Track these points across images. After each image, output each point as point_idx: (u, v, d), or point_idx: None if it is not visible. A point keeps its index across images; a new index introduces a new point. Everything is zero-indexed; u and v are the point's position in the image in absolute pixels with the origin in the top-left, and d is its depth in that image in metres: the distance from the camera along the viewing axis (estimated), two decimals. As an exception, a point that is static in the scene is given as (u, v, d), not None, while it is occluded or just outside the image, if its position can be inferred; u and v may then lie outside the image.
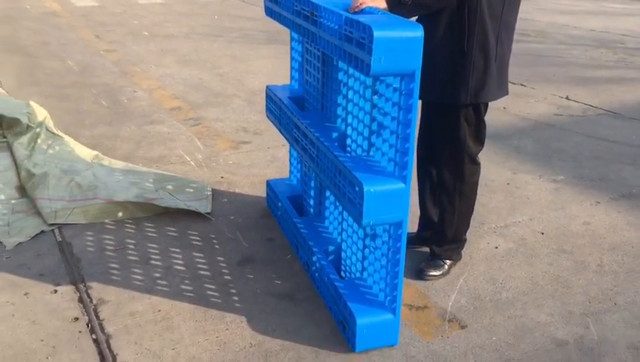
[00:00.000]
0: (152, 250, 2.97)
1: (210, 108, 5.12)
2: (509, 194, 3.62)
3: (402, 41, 1.92)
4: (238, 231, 3.16)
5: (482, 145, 2.66)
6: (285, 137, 2.95)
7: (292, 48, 3.19)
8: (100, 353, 2.27)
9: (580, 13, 10.68)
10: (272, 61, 6.60)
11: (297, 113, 2.74)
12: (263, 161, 4.07)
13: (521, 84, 5.89)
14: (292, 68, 3.20)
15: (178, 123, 4.75)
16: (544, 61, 6.95)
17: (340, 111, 2.60)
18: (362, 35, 1.94)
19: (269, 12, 2.97)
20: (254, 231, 3.16)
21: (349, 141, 2.52)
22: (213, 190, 3.60)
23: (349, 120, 2.50)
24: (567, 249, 3.03)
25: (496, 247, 3.04)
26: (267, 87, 3.19)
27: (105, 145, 4.24)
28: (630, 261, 2.94)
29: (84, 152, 3.90)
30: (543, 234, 3.17)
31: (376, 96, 2.25)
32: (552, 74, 6.37)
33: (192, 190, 3.56)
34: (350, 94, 2.48)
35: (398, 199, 2.09)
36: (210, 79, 6.02)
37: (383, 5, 2.27)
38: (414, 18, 2.33)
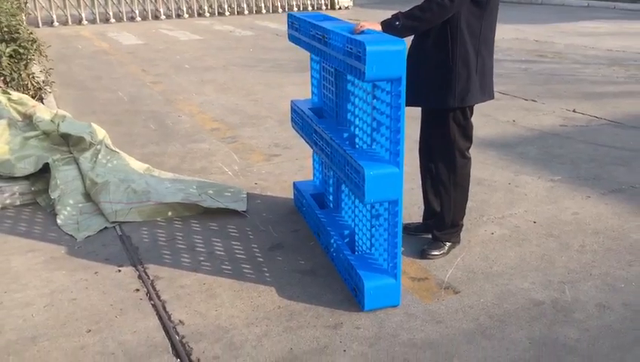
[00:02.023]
0: (196, 240, 3.52)
1: (246, 128, 5.71)
2: (509, 192, 4.07)
3: (389, 53, 2.46)
4: (269, 225, 3.69)
5: (470, 142, 3.15)
6: (307, 141, 3.49)
7: (311, 68, 3.75)
8: (157, 314, 2.81)
9: (600, 34, 11.05)
10: (301, 87, 7.20)
11: (315, 120, 3.29)
12: (291, 169, 4.62)
13: (532, 100, 6.34)
14: (312, 84, 3.76)
15: (217, 141, 5.35)
16: (557, 80, 7.38)
17: (349, 116, 3.13)
18: (359, 50, 2.48)
19: (292, 38, 3.55)
20: (283, 224, 3.69)
21: (357, 139, 3.04)
22: (248, 193, 4.15)
23: (357, 122, 3.03)
24: (555, 234, 3.46)
25: (492, 233, 3.49)
26: (291, 101, 3.76)
27: (154, 161, 4.85)
28: (610, 242, 3.35)
29: (137, 165, 4.51)
30: (535, 222, 3.61)
31: (375, 100, 2.78)
32: (563, 90, 6.79)
33: (229, 193, 4.12)
34: (357, 101, 3.01)
35: (393, 181, 2.60)
36: (245, 104, 6.65)
37: (379, 28, 2.81)
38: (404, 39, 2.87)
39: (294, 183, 3.94)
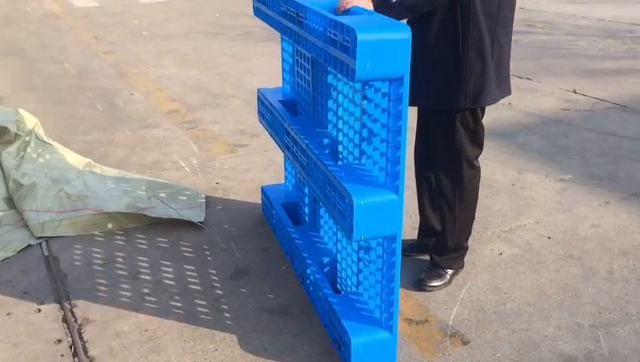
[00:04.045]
0: (141, 263, 2.86)
1: (208, 110, 5.00)
2: (514, 196, 3.48)
3: (388, 43, 1.79)
4: (232, 241, 3.04)
5: (481, 149, 2.52)
6: (277, 143, 2.83)
7: (283, 49, 3.06)
8: (83, 377, 2.17)
9: (589, 2, 10.44)
10: (272, 59, 6.46)
11: (288, 118, 2.62)
12: (259, 164, 3.95)
13: (527, 78, 5.73)
14: (283, 70, 3.07)
15: (174, 126, 4.64)
16: (550, 53, 6.77)
17: (330, 116, 2.47)
18: (346, 38, 1.81)
19: (257, 13, 2.85)
20: (248, 241, 3.05)
21: (340, 147, 2.39)
22: (207, 197, 3.49)
23: (340, 125, 2.37)
24: (575, 254, 2.89)
25: (501, 254, 2.90)
26: (258, 90, 3.07)
27: (98, 152, 4.14)
28: (642, 266, 2.80)
29: (76, 160, 3.80)
30: (549, 238, 3.03)
31: (365, 102, 2.12)
32: (559, 66, 6.19)
33: (185, 198, 3.45)
34: (340, 98, 2.35)
35: (391, 211, 1.97)
36: (208, 79, 5.91)
37: (370, 6, 2.14)
38: (404, 20, 2.20)
39: (263, 189, 3.28)
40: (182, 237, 3.09)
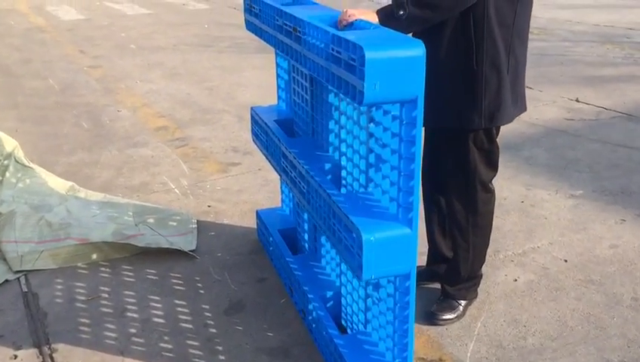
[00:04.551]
0: (128, 299, 2.64)
1: (198, 127, 4.79)
2: (525, 214, 3.28)
3: (400, 62, 1.59)
4: (226, 272, 2.83)
5: (496, 171, 2.33)
6: (273, 167, 2.62)
7: (277, 64, 2.86)
8: None
9: (582, 7, 10.32)
10: (263, 72, 6.26)
11: (285, 140, 2.42)
12: (253, 184, 3.74)
13: (528, 87, 5.52)
14: (278, 86, 2.87)
15: (163, 144, 4.43)
16: (549, 60, 6.61)
17: (332, 138, 2.27)
18: (352, 56, 1.61)
19: (250, 27, 2.65)
20: (244, 271, 2.83)
21: (344, 173, 2.19)
22: (199, 222, 3.27)
23: (343, 149, 2.17)
24: (596, 279, 2.70)
25: (516, 280, 2.70)
26: (252, 109, 2.87)
27: (83, 174, 3.91)
28: (667, 291, 2.61)
29: (58, 184, 3.57)
30: (566, 261, 2.84)
31: (372, 124, 1.92)
32: (559, 74, 6.02)
33: (175, 223, 3.24)
34: (343, 120, 2.15)
35: (404, 247, 1.76)
36: (198, 94, 5.70)
37: (375, 19, 1.95)
38: (410, 34, 2.01)
39: (258, 213, 3.07)
40: (172, 267, 2.87)
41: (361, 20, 1.95)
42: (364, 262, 1.73)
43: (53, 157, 4.20)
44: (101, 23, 9.56)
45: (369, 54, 1.55)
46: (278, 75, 2.85)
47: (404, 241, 1.76)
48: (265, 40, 2.44)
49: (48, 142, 4.50)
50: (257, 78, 6.08)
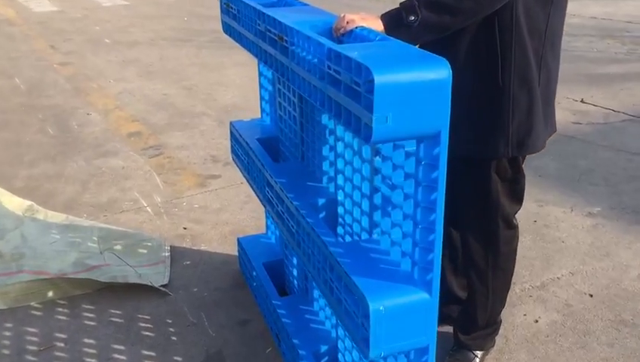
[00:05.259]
0: (87, 349, 2.26)
1: (175, 133, 4.39)
2: (539, 238, 2.94)
3: (420, 87, 1.22)
4: (203, 312, 2.45)
5: (521, 203, 1.97)
6: (256, 194, 2.25)
7: (260, 73, 2.48)
8: None
9: (576, -2, 10.01)
10: (246, 70, 5.84)
11: (270, 166, 2.04)
12: (235, 201, 3.36)
13: (529, 86, 5.21)
14: (262, 98, 2.49)
15: (135, 154, 4.02)
16: (548, 56, 6.27)
17: (326, 166, 1.89)
18: (355, 79, 1.24)
19: (227, 29, 2.27)
20: (224, 311, 2.46)
21: (341, 210, 1.81)
22: (173, 248, 2.89)
23: (340, 181, 1.80)
24: (628, 319, 2.36)
25: (537, 321, 2.36)
26: (231, 124, 2.49)
27: (44, 189, 3.51)
28: None
29: (14, 204, 3.16)
30: (591, 296, 2.50)
31: (378, 158, 1.55)
32: (561, 72, 5.67)
33: (145, 250, 2.85)
34: (340, 147, 1.77)
35: (422, 317, 1.40)
36: (175, 94, 5.28)
37: (379, 26, 1.57)
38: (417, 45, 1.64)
39: (239, 241, 2.69)
40: (140, 307, 2.49)
41: (363, 28, 1.58)
42: (372, 336, 1.36)
43: (12, 169, 3.79)
44: (75, 15, 9.05)
45: (379, 78, 1.18)
46: (261, 86, 2.47)
47: (421, 310, 1.40)
48: (245, 47, 2.06)
49: (8, 152, 4.07)
50: (240, 77, 5.67)
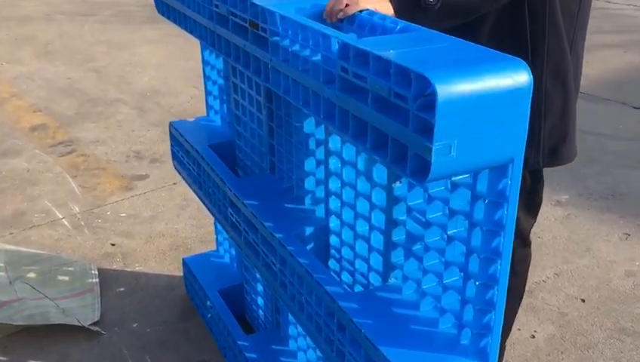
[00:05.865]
0: (4, 420, 1.79)
1: (87, 124, 3.82)
2: (514, 233, 2.70)
3: (495, 100, 0.87)
4: (148, 355, 2.02)
5: (536, 218, 1.68)
6: (210, 211, 1.83)
7: (204, 59, 2.04)
8: None
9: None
10: (160, 47, 5.27)
11: (233, 183, 1.63)
12: (169, 207, 2.90)
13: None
14: (208, 92, 2.05)
15: (42, 152, 3.44)
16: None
17: (310, 184, 1.51)
18: (398, 91, 0.87)
19: (162, 8, 1.81)
20: (174, 351, 2.04)
21: (335, 241, 1.44)
22: (101, 272, 2.42)
23: (334, 206, 1.42)
24: (627, 327, 2.15)
25: (533, 336, 2.11)
26: (171, 124, 2.04)
27: None
28: None
29: None
30: (583, 301, 2.28)
31: (398, 183, 1.19)
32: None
33: (67, 277, 2.37)
34: (333, 164, 1.39)
35: (474, 396, 1.07)
36: (83, 78, 4.65)
37: (388, 9, 1.20)
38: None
39: (185, 261, 2.25)
40: (66, 353, 2.02)
41: (367, 11, 1.20)
42: None
43: None
44: (-47, -14, 7.99)
45: (443, 90, 0.81)
46: (207, 77, 2.02)
47: (474, 388, 1.07)
48: (193, 33, 1.62)
49: None
50: (154, 56, 5.09)
